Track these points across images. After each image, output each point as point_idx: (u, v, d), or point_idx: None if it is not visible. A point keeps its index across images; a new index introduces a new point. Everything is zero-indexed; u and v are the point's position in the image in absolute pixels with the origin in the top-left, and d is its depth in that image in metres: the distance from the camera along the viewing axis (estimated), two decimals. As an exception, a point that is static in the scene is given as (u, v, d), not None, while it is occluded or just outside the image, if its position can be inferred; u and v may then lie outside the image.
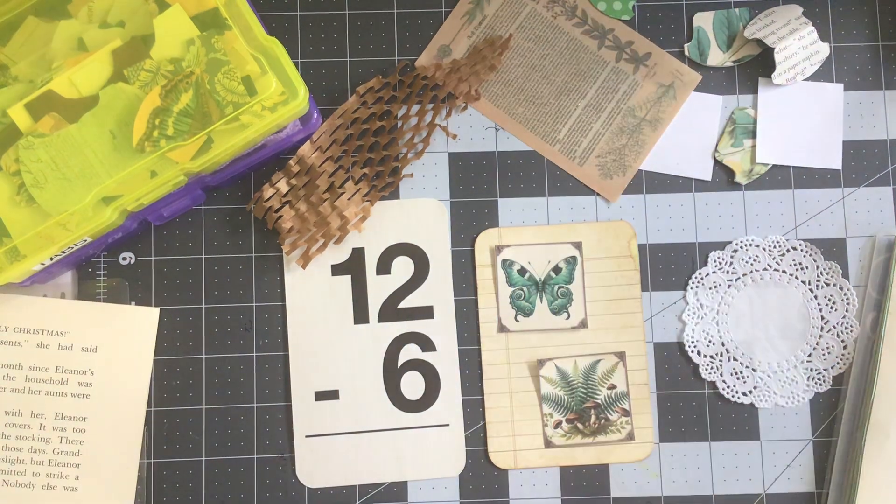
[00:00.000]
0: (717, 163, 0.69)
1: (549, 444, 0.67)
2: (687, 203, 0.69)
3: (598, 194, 0.69)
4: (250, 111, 0.59)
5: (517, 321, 0.67)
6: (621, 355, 0.67)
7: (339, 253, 0.68)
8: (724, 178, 0.69)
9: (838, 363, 0.67)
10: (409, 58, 0.70)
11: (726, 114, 0.70)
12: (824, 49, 0.69)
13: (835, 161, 0.69)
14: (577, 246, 0.68)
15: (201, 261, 0.68)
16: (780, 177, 0.69)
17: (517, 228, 0.68)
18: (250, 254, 0.68)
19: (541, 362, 0.67)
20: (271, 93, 0.59)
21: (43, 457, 0.64)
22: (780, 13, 0.70)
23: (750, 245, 0.68)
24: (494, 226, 0.69)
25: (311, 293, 0.67)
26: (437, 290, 0.68)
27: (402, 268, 0.68)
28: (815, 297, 0.68)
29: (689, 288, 0.68)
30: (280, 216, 0.67)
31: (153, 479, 0.66)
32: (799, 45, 0.69)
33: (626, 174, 0.69)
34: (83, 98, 0.60)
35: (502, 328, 0.68)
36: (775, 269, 0.68)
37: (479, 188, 0.69)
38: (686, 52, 0.70)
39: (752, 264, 0.68)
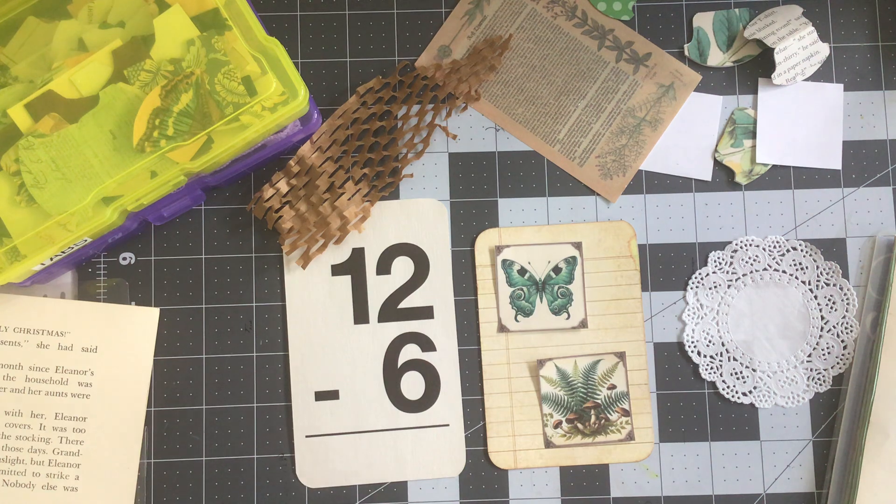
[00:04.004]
0: (717, 163, 0.69)
1: (549, 444, 0.67)
2: (687, 203, 0.69)
3: (598, 194, 0.69)
4: (250, 111, 0.59)
5: (517, 321, 0.68)
6: (621, 355, 0.67)
7: (339, 253, 0.68)
8: (724, 178, 0.69)
9: (838, 363, 0.67)
10: (409, 58, 0.70)
11: (726, 114, 0.70)
12: (824, 49, 0.70)
13: (835, 161, 0.69)
14: (577, 246, 0.68)
15: (201, 261, 0.68)
16: (780, 177, 0.69)
17: (517, 228, 0.68)
18: (250, 254, 0.68)
19: (541, 362, 0.67)
20: (271, 93, 0.59)
21: (43, 457, 0.64)
22: (780, 13, 0.70)
23: (750, 245, 0.68)
24: (494, 226, 0.69)
25: (311, 293, 0.67)
26: (437, 290, 0.68)
27: (402, 268, 0.68)
28: (815, 297, 0.68)
29: (689, 288, 0.68)
30: (280, 216, 0.67)
31: (153, 479, 0.66)
32: (799, 46, 0.69)
33: (626, 174, 0.69)
34: (83, 98, 0.60)
35: (502, 328, 0.68)
36: (775, 270, 0.68)
37: (479, 188, 0.69)
38: (686, 53, 0.70)
39: (752, 264, 0.68)
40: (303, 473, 0.66)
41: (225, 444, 0.66)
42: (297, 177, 0.68)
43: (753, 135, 0.69)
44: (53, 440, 0.65)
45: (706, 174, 0.69)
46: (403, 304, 0.68)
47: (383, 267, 0.68)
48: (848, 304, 0.68)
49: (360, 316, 0.67)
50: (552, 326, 0.67)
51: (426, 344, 0.67)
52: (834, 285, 0.68)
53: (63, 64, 0.60)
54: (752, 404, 0.67)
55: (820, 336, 0.68)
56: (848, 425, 0.66)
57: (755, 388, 0.67)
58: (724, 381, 0.67)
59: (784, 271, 0.68)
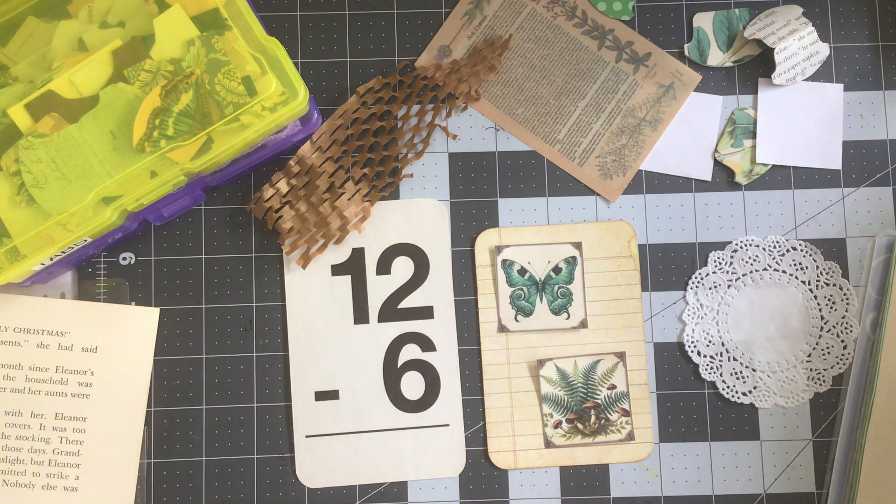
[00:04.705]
0: (717, 163, 0.69)
1: (549, 444, 0.67)
2: (687, 203, 0.69)
3: (598, 194, 0.69)
4: (250, 111, 0.59)
5: (517, 321, 0.68)
6: (621, 355, 0.67)
7: (339, 253, 0.68)
8: (724, 178, 0.69)
9: (838, 363, 0.67)
10: (409, 58, 0.70)
11: (726, 114, 0.70)
12: (824, 49, 0.70)
13: (835, 161, 0.69)
14: (577, 246, 0.68)
15: (201, 261, 0.68)
16: (780, 177, 0.69)
17: (517, 228, 0.68)
18: (250, 254, 0.68)
19: (541, 362, 0.67)
20: (271, 93, 0.59)
21: (43, 457, 0.64)
22: (780, 13, 0.70)
23: (750, 245, 0.68)
24: (494, 226, 0.69)
25: (311, 293, 0.67)
26: (437, 290, 0.68)
27: (402, 268, 0.68)
28: (815, 297, 0.68)
29: (689, 288, 0.68)
30: (280, 216, 0.67)
31: (153, 479, 0.66)
32: (799, 46, 0.69)
33: (626, 174, 0.69)
34: (83, 98, 0.60)
35: (502, 328, 0.68)
36: (775, 269, 0.68)
37: (479, 188, 0.69)
38: (686, 53, 0.70)
39: (751, 264, 0.68)
40: (303, 473, 0.66)
41: (225, 444, 0.66)
42: (297, 177, 0.68)
43: (753, 135, 0.69)
44: (53, 440, 0.65)
45: (706, 174, 0.69)
46: (403, 304, 0.68)
47: (383, 267, 0.68)
48: (848, 304, 0.68)
49: (360, 316, 0.67)
50: (552, 326, 0.67)
51: (426, 344, 0.67)
52: (834, 285, 0.68)
53: (63, 64, 0.60)
54: (752, 404, 0.67)
55: (820, 336, 0.68)
56: (848, 425, 0.66)
57: (755, 388, 0.67)
58: (724, 381, 0.67)
59: (784, 271, 0.68)
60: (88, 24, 0.61)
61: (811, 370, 0.67)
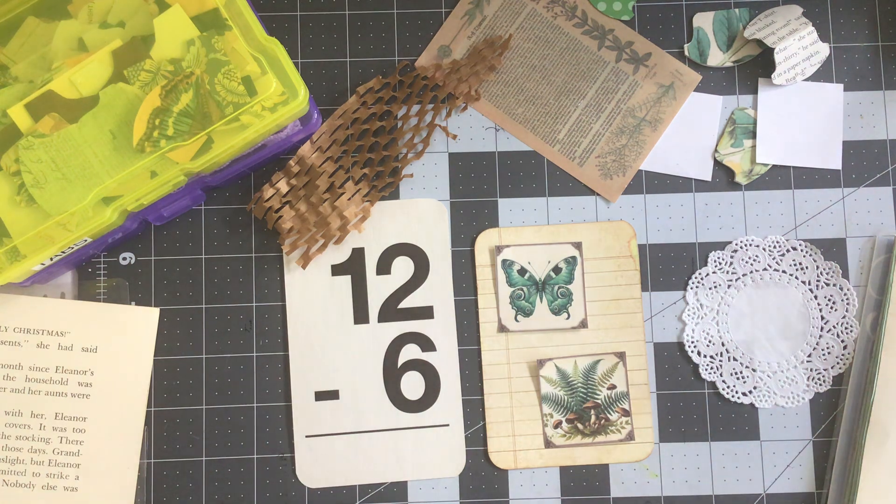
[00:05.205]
0: (717, 163, 0.69)
1: (549, 444, 0.67)
2: (687, 203, 0.69)
3: (598, 194, 0.69)
4: (250, 111, 0.59)
5: (517, 321, 0.68)
6: (621, 355, 0.67)
7: (339, 253, 0.68)
8: (724, 178, 0.69)
9: (838, 363, 0.67)
10: (409, 58, 0.70)
11: (726, 114, 0.70)
12: (824, 49, 0.70)
13: (835, 161, 0.69)
14: (577, 246, 0.68)
15: (201, 261, 0.68)
16: (780, 177, 0.69)
17: (517, 228, 0.68)
18: (250, 254, 0.68)
19: (541, 362, 0.67)
20: (271, 93, 0.59)
21: (43, 457, 0.64)
22: (780, 13, 0.70)
23: (750, 245, 0.68)
24: (494, 226, 0.69)
25: (311, 293, 0.67)
26: (437, 290, 0.68)
27: (402, 268, 0.68)
28: (815, 297, 0.68)
29: (689, 288, 0.68)
30: (280, 216, 0.67)
31: (153, 479, 0.66)
32: (799, 46, 0.69)
33: (626, 174, 0.69)
34: (83, 98, 0.60)
35: (502, 328, 0.68)
36: (775, 270, 0.68)
37: (479, 188, 0.69)
38: (686, 53, 0.70)
39: (752, 264, 0.68)
40: (303, 473, 0.66)
41: (225, 444, 0.66)
42: (297, 177, 0.68)
43: (753, 135, 0.69)
44: (53, 440, 0.65)
45: (706, 174, 0.69)
46: (403, 304, 0.68)
47: (383, 267, 0.68)
48: (848, 304, 0.68)
49: (360, 316, 0.67)
50: (552, 326, 0.67)
51: (426, 344, 0.67)
52: (834, 285, 0.68)
53: (63, 64, 0.60)
54: (752, 404, 0.67)
55: (820, 336, 0.68)
56: (848, 425, 0.66)
57: (755, 388, 0.67)
58: (724, 381, 0.67)
59: (784, 271, 0.68)
60: (88, 24, 0.61)
61: (811, 370, 0.67)
